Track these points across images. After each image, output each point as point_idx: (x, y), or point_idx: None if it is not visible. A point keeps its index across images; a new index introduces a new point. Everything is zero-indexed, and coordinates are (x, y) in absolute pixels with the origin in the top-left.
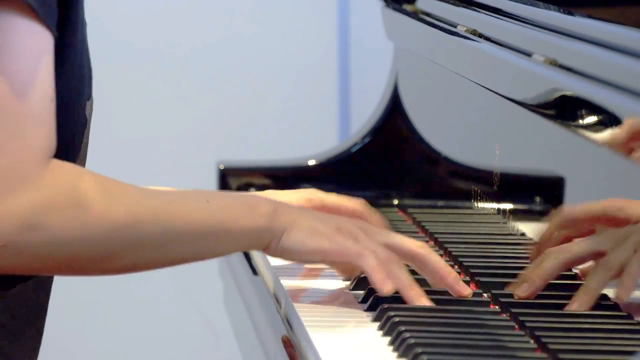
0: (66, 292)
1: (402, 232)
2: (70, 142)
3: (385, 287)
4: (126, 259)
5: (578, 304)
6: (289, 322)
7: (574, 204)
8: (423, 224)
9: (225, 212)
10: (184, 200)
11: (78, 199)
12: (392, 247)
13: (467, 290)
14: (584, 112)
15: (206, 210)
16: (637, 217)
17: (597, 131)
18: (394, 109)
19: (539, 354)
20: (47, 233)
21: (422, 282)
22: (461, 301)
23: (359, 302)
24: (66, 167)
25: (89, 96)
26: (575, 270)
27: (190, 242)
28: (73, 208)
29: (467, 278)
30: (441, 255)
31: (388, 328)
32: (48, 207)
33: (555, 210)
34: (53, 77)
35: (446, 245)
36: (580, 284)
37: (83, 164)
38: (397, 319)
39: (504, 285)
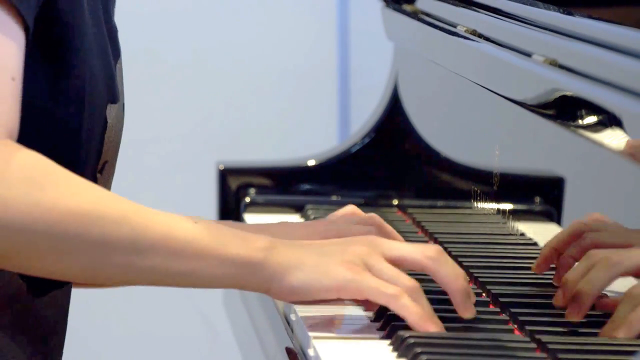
0: None
1: (402, 232)
2: (85, 142)
3: (430, 328)
4: (88, 256)
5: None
6: (289, 322)
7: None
8: (423, 224)
9: (214, 235)
10: (163, 215)
11: (32, 176)
12: (401, 260)
13: (469, 313)
14: (584, 112)
15: (190, 229)
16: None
17: (597, 131)
18: (394, 109)
19: (538, 354)
20: None
21: None
22: None
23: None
24: (26, 150)
25: (112, 100)
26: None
27: (166, 257)
28: (24, 184)
29: (467, 278)
30: None
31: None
32: None
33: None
34: (20, 60)
35: (446, 245)
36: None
37: (112, 167)
38: (396, 319)
39: (503, 285)
